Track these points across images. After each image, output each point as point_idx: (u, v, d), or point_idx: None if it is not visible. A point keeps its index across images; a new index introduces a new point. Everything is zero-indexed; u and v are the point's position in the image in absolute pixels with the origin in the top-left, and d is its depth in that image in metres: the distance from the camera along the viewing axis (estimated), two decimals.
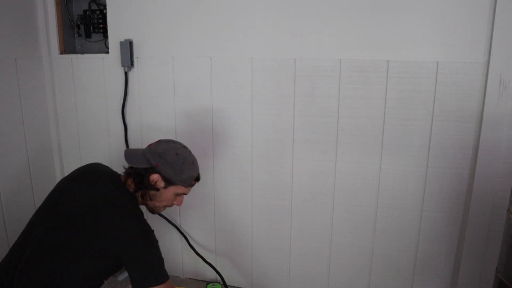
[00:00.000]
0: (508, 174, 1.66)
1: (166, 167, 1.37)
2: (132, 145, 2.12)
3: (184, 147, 1.50)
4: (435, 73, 1.67)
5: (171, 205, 1.50)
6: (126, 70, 2.02)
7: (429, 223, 1.82)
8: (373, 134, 1.79)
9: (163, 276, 1.30)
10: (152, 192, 1.40)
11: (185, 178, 1.43)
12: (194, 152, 2.07)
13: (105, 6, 2.03)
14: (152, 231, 1.38)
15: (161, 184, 1.39)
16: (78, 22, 2.20)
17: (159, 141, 1.48)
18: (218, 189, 2.06)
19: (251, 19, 1.83)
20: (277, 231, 2.03)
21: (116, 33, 2.03)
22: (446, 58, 1.65)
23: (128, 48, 1.98)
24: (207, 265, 2.17)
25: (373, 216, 1.88)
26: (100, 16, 2.12)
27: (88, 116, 2.17)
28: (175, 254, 2.23)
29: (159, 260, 1.33)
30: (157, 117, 2.07)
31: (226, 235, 2.12)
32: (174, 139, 1.52)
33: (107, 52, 2.08)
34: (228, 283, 2.16)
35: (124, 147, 2.13)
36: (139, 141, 2.11)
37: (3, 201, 1.94)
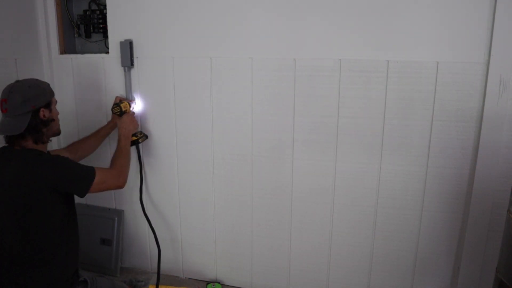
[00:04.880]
0: (508, 174, 1.66)
1: (38, 100, 1.45)
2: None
3: (19, 80, 1.51)
4: (435, 73, 1.67)
5: (57, 114, 1.59)
6: (126, 70, 2.02)
7: (429, 223, 1.82)
8: (373, 134, 1.79)
9: (90, 170, 1.50)
10: (50, 123, 1.51)
11: (50, 89, 1.54)
12: (194, 152, 2.07)
13: (105, 6, 2.03)
14: (59, 156, 1.52)
15: (47, 112, 1.49)
16: (78, 22, 2.20)
17: (6, 100, 1.43)
18: (218, 189, 2.06)
19: (251, 19, 1.83)
20: (277, 231, 2.03)
21: (116, 33, 2.03)
22: (446, 58, 1.65)
23: (128, 48, 1.98)
24: (207, 265, 2.17)
25: (373, 216, 1.88)
26: (100, 16, 2.12)
27: (88, 116, 2.17)
28: (175, 255, 2.23)
29: (78, 166, 1.50)
30: (157, 117, 2.07)
31: (226, 235, 2.12)
32: (13, 82, 1.51)
33: (107, 52, 2.08)
34: (228, 283, 2.16)
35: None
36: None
37: None
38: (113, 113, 1.91)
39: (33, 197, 1.37)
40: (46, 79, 2.16)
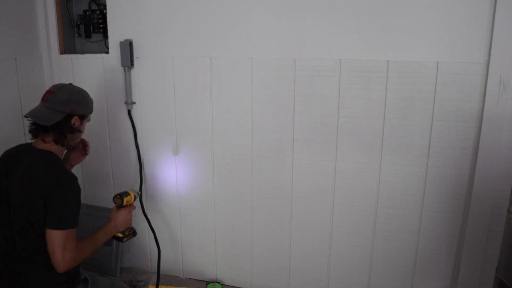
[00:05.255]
0: (508, 174, 1.66)
1: (78, 107, 1.49)
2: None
3: (72, 84, 1.56)
4: (435, 73, 1.67)
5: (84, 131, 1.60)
6: (126, 70, 2.02)
7: (429, 223, 1.82)
8: (373, 134, 1.79)
9: (70, 222, 1.38)
10: (71, 134, 1.50)
11: (91, 106, 1.58)
12: (195, 152, 2.07)
13: (105, 6, 2.03)
14: (74, 180, 1.43)
15: (78, 123, 1.51)
16: (78, 22, 2.20)
17: (53, 92, 1.47)
18: (218, 188, 2.06)
19: (251, 19, 1.83)
20: (277, 231, 2.03)
21: (116, 33, 2.03)
22: (446, 58, 1.65)
23: (128, 48, 1.98)
24: (207, 265, 2.18)
25: (373, 216, 1.88)
26: (100, 16, 2.12)
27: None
28: (175, 255, 2.23)
29: (71, 208, 1.41)
30: (157, 117, 2.07)
31: (226, 235, 2.12)
32: (67, 83, 1.55)
33: (107, 52, 2.08)
34: (228, 283, 2.16)
35: (127, 147, 2.13)
36: (139, 141, 2.11)
37: None
38: (113, 202, 1.65)
39: (34, 199, 1.37)
40: (46, 79, 2.17)
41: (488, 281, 1.73)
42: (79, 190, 1.43)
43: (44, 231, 1.37)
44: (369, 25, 1.71)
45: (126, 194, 1.66)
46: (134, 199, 1.71)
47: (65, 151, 1.61)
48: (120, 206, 1.64)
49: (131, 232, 1.72)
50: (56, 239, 1.35)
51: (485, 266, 1.76)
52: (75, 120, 1.49)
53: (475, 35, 1.60)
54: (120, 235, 1.67)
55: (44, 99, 1.47)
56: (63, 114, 1.46)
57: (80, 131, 1.55)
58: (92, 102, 1.59)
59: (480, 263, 1.77)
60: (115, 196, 1.65)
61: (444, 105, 1.69)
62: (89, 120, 1.60)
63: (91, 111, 1.59)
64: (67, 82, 2.16)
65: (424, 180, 1.78)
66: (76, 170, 2.20)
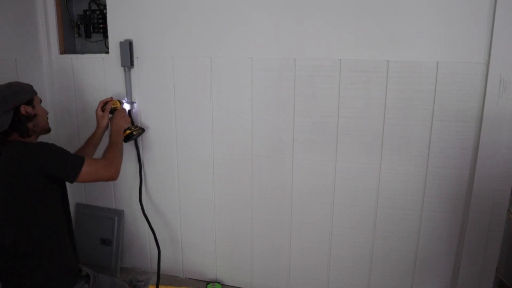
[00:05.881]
0: (508, 174, 1.66)
1: (18, 97, 1.47)
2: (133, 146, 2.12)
3: None
4: (435, 73, 1.67)
5: (46, 113, 1.61)
6: (126, 70, 2.02)
7: (429, 223, 1.82)
8: (373, 134, 1.79)
9: (79, 158, 1.50)
10: (33, 122, 1.51)
11: (30, 88, 1.55)
12: (194, 152, 2.07)
13: (105, 6, 2.03)
14: (45, 142, 1.49)
15: (29, 108, 1.50)
16: (78, 22, 2.20)
17: None
18: (218, 188, 2.06)
19: (251, 19, 1.83)
20: (277, 231, 2.03)
21: (116, 33, 2.03)
22: (446, 58, 1.65)
23: (128, 48, 1.98)
24: (207, 265, 2.18)
25: (373, 216, 1.88)
26: (100, 16, 2.12)
27: (88, 116, 2.16)
28: (175, 255, 2.23)
29: (65, 152, 1.50)
30: (157, 117, 2.07)
31: (226, 235, 2.12)
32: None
33: (107, 52, 2.08)
34: (228, 283, 2.16)
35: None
36: (139, 141, 2.11)
37: None
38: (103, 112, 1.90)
39: (22, 186, 1.37)
40: (46, 79, 2.17)
41: (488, 281, 1.73)
42: (54, 145, 1.49)
43: (35, 223, 1.38)
44: (369, 25, 1.71)
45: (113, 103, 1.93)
46: (120, 103, 1.96)
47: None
48: (111, 111, 1.91)
49: (138, 128, 2.01)
50: (90, 175, 1.49)
51: (485, 266, 1.76)
52: (25, 109, 1.48)
53: (475, 35, 1.60)
54: (128, 131, 1.94)
55: None
56: (10, 112, 1.44)
57: (36, 114, 1.53)
58: (29, 85, 1.56)
59: (480, 263, 1.77)
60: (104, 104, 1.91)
61: (444, 105, 1.69)
62: (40, 100, 1.59)
63: (32, 92, 1.55)
64: (67, 82, 2.17)
65: (424, 180, 1.78)
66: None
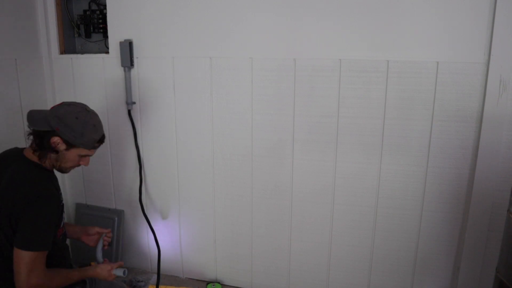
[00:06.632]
0: (508, 174, 1.66)
1: (66, 130, 1.37)
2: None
3: (87, 110, 1.45)
4: (435, 73, 1.67)
5: (78, 165, 1.49)
6: (126, 70, 2.02)
7: (429, 223, 1.82)
8: (373, 134, 1.79)
9: (39, 244, 1.31)
10: (53, 154, 1.41)
11: (86, 141, 1.42)
12: (194, 152, 2.07)
13: (105, 6, 2.03)
14: (50, 200, 1.36)
15: (62, 146, 1.40)
16: (78, 22, 2.20)
17: (62, 104, 1.42)
18: (218, 188, 2.06)
19: (251, 19, 1.83)
20: (277, 231, 2.03)
21: (116, 33, 2.03)
22: (446, 58, 1.65)
23: (128, 48, 1.98)
24: (207, 265, 2.18)
25: (373, 216, 1.88)
26: (100, 16, 2.12)
27: None
28: (175, 255, 2.23)
29: (43, 229, 1.33)
30: (157, 117, 2.07)
31: (226, 235, 2.12)
32: (78, 101, 1.47)
33: (107, 52, 2.08)
34: (228, 283, 2.16)
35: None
36: (139, 141, 2.11)
37: None
38: None
39: (7, 211, 1.31)
40: (46, 79, 2.17)
41: (488, 281, 1.73)
42: (54, 211, 1.35)
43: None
44: (369, 25, 1.71)
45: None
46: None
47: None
48: None
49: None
50: (23, 260, 1.28)
51: (485, 266, 1.76)
52: (57, 141, 1.37)
53: (475, 35, 1.60)
54: None
55: (52, 107, 1.42)
56: (49, 127, 1.36)
57: (61, 155, 1.40)
58: (92, 139, 1.43)
59: (480, 263, 1.77)
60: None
61: (444, 105, 1.69)
62: (86, 155, 1.47)
63: (84, 145, 1.42)
64: (67, 82, 2.18)
65: (424, 180, 1.78)
66: (75, 170, 2.21)
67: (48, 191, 1.36)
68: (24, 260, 1.28)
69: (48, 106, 2.19)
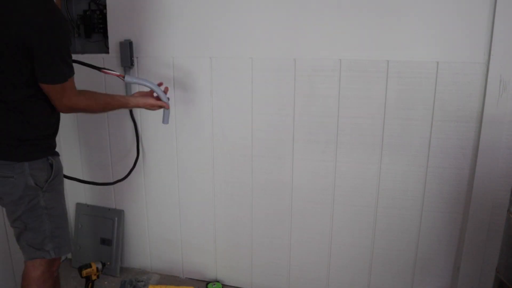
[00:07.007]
0: (508, 174, 1.66)
1: None
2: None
3: None
4: (435, 73, 1.67)
5: None
6: (126, 70, 2.02)
7: (429, 223, 1.82)
8: (373, 134, 1.79)
9: (64, 75, 1.28)
10: None
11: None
12: (194, 152, 2.07)
13: (105, 6, 2.03)
14: (62, 23, 1.28)
15: None
16: (78, 22, 2.20)
17: None
18: (218, 189, 2.07)
19: (251, 19, 1.83)
20: (277, 231, 2.03)
21: (116, 33, 2.03)
22: (446, 58, 1.65)
23: (128, 48, 1.98)
24: (207, 265, 2.18)
25: (373, 216, 1.88)
26: (100, 16, 2.12)
27: (88, 115, 2.16)
28: (175, 255, 2.23)
29: (65, 56, 1.29)
30: (156, 117, 2.07)
31: (226, 235, 2.12)
32: None
33: (107, 52, 2.08)
34: (228, 283, 2.16)
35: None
36: (140, 141, 2.11)
37: None
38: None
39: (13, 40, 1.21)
40: None
41: (488, 281, 1.73)
42: (68, 34, 1.29)
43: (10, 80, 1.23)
44: (369, 25, 1.70)
45: (88, 266, 1.93)
46: (97, 271, 1.95)
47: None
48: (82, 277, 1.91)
49: (98, 272, 1.96)
50: (53, 92, 1.26)
51: (485, 266, 1.76)
52: None
53: (475, 35, 1.60)
54: (94, 277, 1.95)
55: None
56: None
57: None
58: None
59: (480, 263, 1.77)
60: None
61: (444, 105, 1.69)
62: None
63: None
64: None
65: (424, 180, 1.78)
66: (75, 170, 2.21)
67: (60, 15, 1.30)
68: (56, 89, 1.27)
69: None
